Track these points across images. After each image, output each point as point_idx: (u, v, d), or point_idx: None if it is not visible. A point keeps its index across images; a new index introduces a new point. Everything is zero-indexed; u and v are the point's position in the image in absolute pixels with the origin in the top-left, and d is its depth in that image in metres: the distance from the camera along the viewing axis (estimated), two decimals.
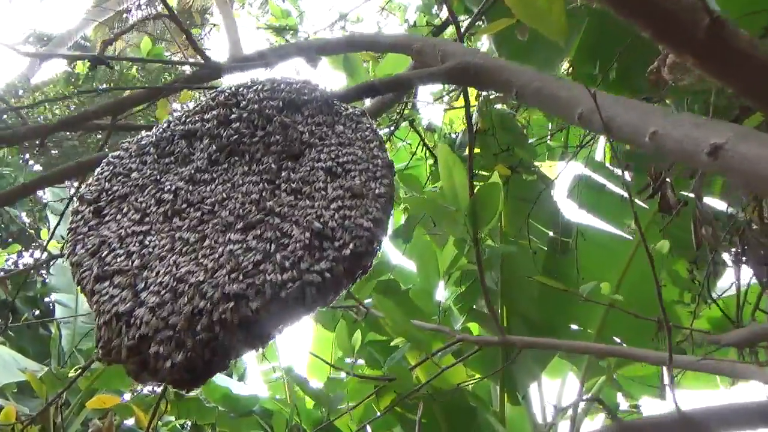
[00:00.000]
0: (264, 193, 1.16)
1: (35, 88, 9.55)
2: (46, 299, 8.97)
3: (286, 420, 3.09)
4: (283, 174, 1.20)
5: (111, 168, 1.27)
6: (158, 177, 1.23)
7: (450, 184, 1.76)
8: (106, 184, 1.24)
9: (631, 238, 4.53)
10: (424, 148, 4.51)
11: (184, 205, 1.17)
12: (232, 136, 1.26)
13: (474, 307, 5.13)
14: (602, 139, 4.85)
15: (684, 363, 1.73)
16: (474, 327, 5.17)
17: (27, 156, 8.72)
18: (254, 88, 1.33)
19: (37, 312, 8.94)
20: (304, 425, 4.31)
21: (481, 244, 1.76)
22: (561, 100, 1.22)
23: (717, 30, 0.67)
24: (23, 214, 8.75)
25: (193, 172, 1.22)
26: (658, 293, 1.41)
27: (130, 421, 6.65)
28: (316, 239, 1.06)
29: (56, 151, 8.73)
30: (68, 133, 8.31)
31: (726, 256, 3.50)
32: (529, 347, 2.39)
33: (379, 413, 4.12)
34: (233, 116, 1.29)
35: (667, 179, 2.91)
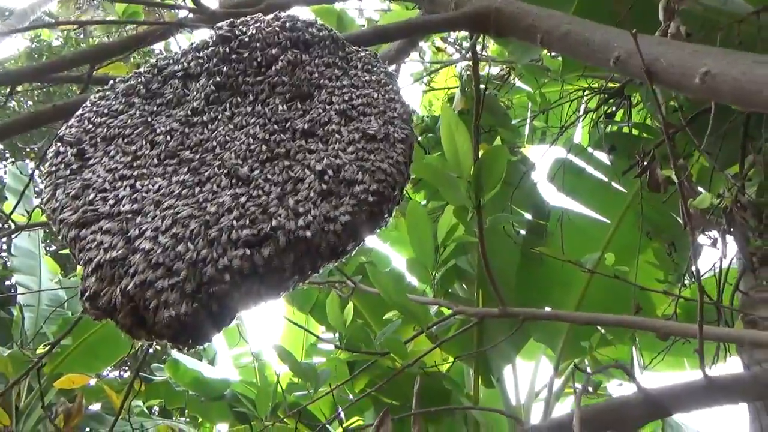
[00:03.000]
0: (271, 136, 1.02)
1: None
2: (6, 282, 8.61)
3: (269, 400, 2.95)
4: (291, 115, 1.06)
5: (95, 109, 1.12)
6: (148, 119, 1.09)
7: (452, 149, 1.66)
8: (89, 125, 1.09)
9: (608, 221, 4.52)
10: None
11: (181, 148, 1.03)
12: (233, 75, 1.12)
13: (450, 291, 5.08)
14: (581, 122, 4.81)
15: (713, 334, 1.68)
16: (449, 311, 5.10)
17: None
18: (258, 24, 1.19)
19: None
20: (279, 400, 4.18)
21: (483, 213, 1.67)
22: (594, 44, 1.12)
23: None
24: None
25: (188, 113, 1.08)
26: None
27: (95, 407, 6.42)
28: (334, 184, 0.93)
29: (14, 103, 8.32)
30: (32, 103, 7.94)
31: (704, 239, 3.49)
32: (532, 319, 2.31)
33: (352, 397, 4.02)
34: (234, 54, 1.15)
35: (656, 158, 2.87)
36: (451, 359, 4.86)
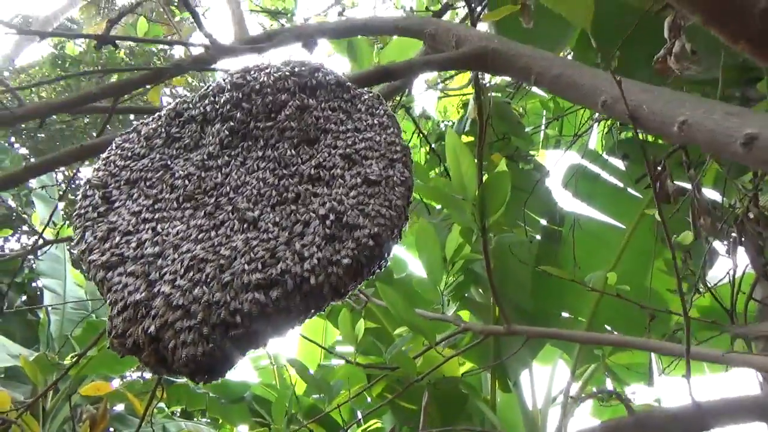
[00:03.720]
0: (280, 180, 1.12)
1: (20, 70, 9.35)
2: (33, 284, 8.85)
3: (285, 409, 3.06)
4: (299, 160, 1.16)
5: (119, 152, 1.22)
6: (168, 162, 1.19)
7: (457, 173, 1.74)
8: (114, 168, 1.19)
9: (623, 227, 4.55)
10: (420, 135, 4.48)
11: (198, 192, 1.12)
12: (245, 121, 1.22)
13: (466, 295, 5.16)
14: (596, 128, 4.85)
15: (701, 355, 1.74)
16: (465, 315, 5.20)
17: (12, 139, 8.55)
18: (268, 70, 1.28)
19: (25, 297, 8.81)
20: (294, 410, 4.30)
21: (487, 234, 1.74)
22: (583, 88, 1.19)
23: None
24: (9, 199, 8.60)
25: (204, 157, 1.18)
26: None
27: (118, 407, 6.61)
28: (336, 228, 1.02)
29: (43, 135, 8.58)
30: (56, 116, 8.15)
31: (720, 246, 3.52)
32: (536, 337, 2.39)
33: (370, 400, 4.12)
34: (246, 100, 1.25)
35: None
36: (468, 363, 4.93)
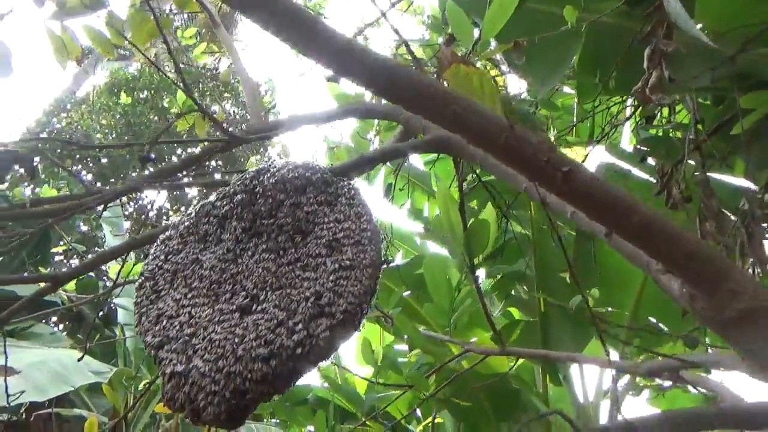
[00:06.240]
0: (279, 268, 1.53)
1: (81, 101, 10.24)
2: (109, 300, 9.70)
3: (326, 420, 3.48)
4: (294, 250, 1.56)
5: (162, 248, 1.66)
6: (198, 256, 1.62)
7: (447, 221, 2.10)
8: (160, 262, 1.63)
9: None
10: None
11: (220, 281, 1.55)
12: (253, 219, 1.64)
13: (513, 292, 5.49)
14: (627, 126, 5.02)
15: (624, 367, 2.05)
16: (515, 311, 5.52)
17: (79, 166, 9.43)
18: (270, 172, 1.69)
19: (102, 313, 9.66)
20: (355, 410, 4.75)
21: (474, 272, 2.10)
22: (513, 176, 1.55)
23: (569, 179, 0.98)
24: (81, 223, 9.46)
25: (224, 251, 1.61)
26: None
27: None
28: (318, 307, 1.42)
29: (105, 160, 9.43)
30: (113, 149, 8.97)
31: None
32: (524, 357, 2.74)
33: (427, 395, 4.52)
34: (253, 201, 1.66)
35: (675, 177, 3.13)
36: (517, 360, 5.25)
